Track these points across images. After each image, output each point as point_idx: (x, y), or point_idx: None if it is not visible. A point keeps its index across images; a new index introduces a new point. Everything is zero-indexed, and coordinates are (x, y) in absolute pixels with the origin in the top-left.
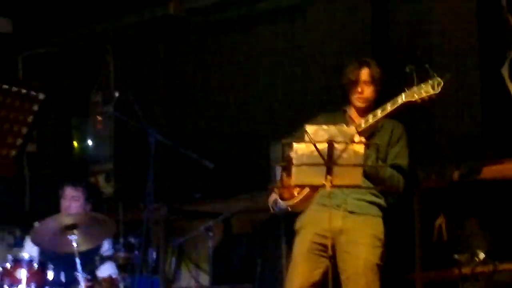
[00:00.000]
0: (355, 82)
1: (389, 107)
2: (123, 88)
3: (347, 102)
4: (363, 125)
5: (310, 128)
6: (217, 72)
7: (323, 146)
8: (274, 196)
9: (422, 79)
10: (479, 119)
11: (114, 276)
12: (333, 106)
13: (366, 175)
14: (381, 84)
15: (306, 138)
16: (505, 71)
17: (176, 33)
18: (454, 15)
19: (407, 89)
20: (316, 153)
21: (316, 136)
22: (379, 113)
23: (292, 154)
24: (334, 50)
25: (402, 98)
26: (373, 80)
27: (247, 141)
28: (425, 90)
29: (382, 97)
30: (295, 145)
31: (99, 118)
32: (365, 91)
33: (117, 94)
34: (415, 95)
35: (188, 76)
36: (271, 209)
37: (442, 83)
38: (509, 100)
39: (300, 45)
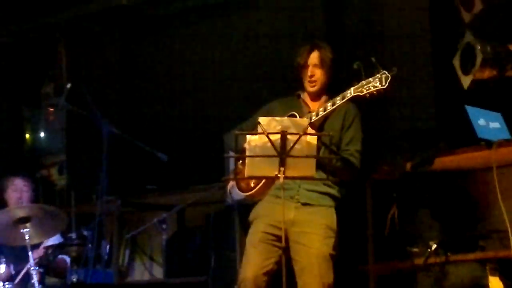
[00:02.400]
0: (305, 66)
1: (338, 101)
2: (75, 79)
3: (300, 86)
4: (313, 118)
5: (263, 120)
6: (171, 63)
7: (276, 138)
8: (232, 183)
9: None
10: (432, 110)
11: (63, 258)
12: (287, 95)
13: (319, 165)
14: (333, 67)
15: (259, 129)
16: (456, 62)
17: (130, 23)
18: (407, 5)
19: (356, 83)
20: (269, 144)
21: (269, 127)
22: (329, 106)
23: (245, 146)
24: (287, 39)
25: (351, 93)
26: (323, 63)
27: (200, 133)
28: (373, 85)
29: (338, 82)
30: (248, 136)
31: (51, 109)
32: (315, 75)
33: (69, 86)
34: (363, 89)
35: (142, 68)
36: (228, 194)
37: (390, 78)
38: (461, 91)
39: (254, 34)
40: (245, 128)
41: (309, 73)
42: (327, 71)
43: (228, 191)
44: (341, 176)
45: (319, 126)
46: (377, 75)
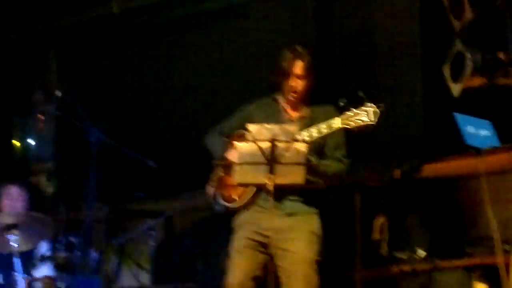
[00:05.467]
0: (288, 75)
1: (324, 130)
2: (65, 87)
3: (278, 89)
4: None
5: (252, 127)
6: (160, 71)
7: (265, 145)
8: (212, 190)
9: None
10: (421, 117)
11: (50, 275)
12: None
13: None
14: (314, 76)
15: (249, 137)
16: (446, 70)
17: (120, 32)
18: (397, 13)
19: (343, 114)
20: (258, 152)
21: (258, 134)
22: (315, 134)
23: (235, 153)
24: (278, 48)
25: (338, 124)
26: (305, 74)
27: (189, 140)
28: (361, 119)
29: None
30: (238, 144)
31: (41, 117)
32: (298, 85)
33: (59, 94)
34: (351, 122)
35: (131, 76)
36: (212, 201)
37: (379, 113)
38: (450, 99)
39: (243, 43)
40: (225, 131)
41: (291, 84)
42: (309, 81)
43: (211, 198)
44: (328, 182)
45: None
46: (365, 108)
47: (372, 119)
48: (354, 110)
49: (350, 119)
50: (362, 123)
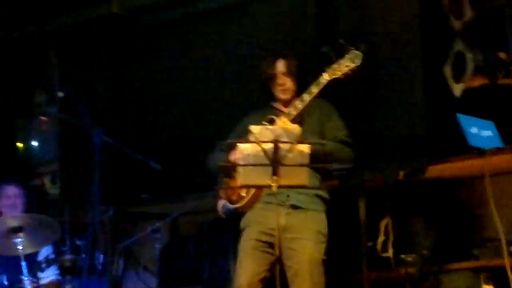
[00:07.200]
0: (274, 75)
1: (314, 90)
2: (67, 88)
3: (271, 97)
4: (293, 112)
5: (255, 128)
6: (163, 71)
7: (268, 146)
8: (222, 202)
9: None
10: (424, 118)
11: (56, 279)
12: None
13: (315, 161)
14: (301, 75)
15: (252, 138)
16: (447, 70)
17: (121, 32)
18: (397, 13)
19: (327, 68)
20: (261, 153)
21: (261, 136)
22: (306, 97)
23: (238, 155)
24: (280, 48)
25: (325, 77)
26: (290, 72)
27: (194, 142)
28: (346, 65)
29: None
30: (241, 145)
31: (44, 118)
32: (286, 82)
33: (61, 95)
34: (337, 71)
35: (134, 76)
36: (221, 214)
37: (362, 55)
38: (452, 99)
39: (246, 43)
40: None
41: (279, 82)
42: (295, 79)
43: (219, 212)
44: (339, 162)
45: None
46: (346, 55)
47: (357, 62)
48: (338, 60)
49: (337, 69)
50: (348, 69)
